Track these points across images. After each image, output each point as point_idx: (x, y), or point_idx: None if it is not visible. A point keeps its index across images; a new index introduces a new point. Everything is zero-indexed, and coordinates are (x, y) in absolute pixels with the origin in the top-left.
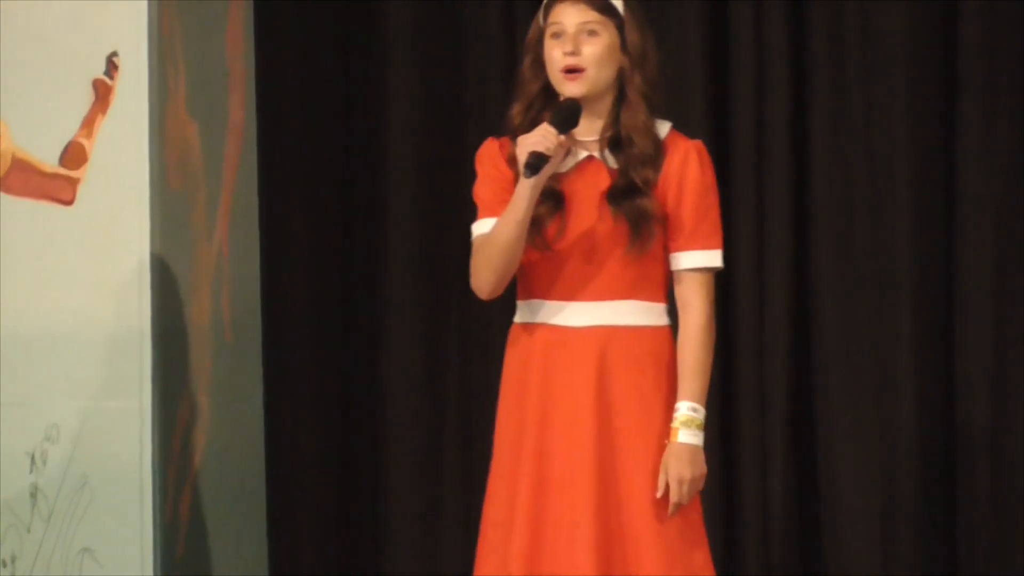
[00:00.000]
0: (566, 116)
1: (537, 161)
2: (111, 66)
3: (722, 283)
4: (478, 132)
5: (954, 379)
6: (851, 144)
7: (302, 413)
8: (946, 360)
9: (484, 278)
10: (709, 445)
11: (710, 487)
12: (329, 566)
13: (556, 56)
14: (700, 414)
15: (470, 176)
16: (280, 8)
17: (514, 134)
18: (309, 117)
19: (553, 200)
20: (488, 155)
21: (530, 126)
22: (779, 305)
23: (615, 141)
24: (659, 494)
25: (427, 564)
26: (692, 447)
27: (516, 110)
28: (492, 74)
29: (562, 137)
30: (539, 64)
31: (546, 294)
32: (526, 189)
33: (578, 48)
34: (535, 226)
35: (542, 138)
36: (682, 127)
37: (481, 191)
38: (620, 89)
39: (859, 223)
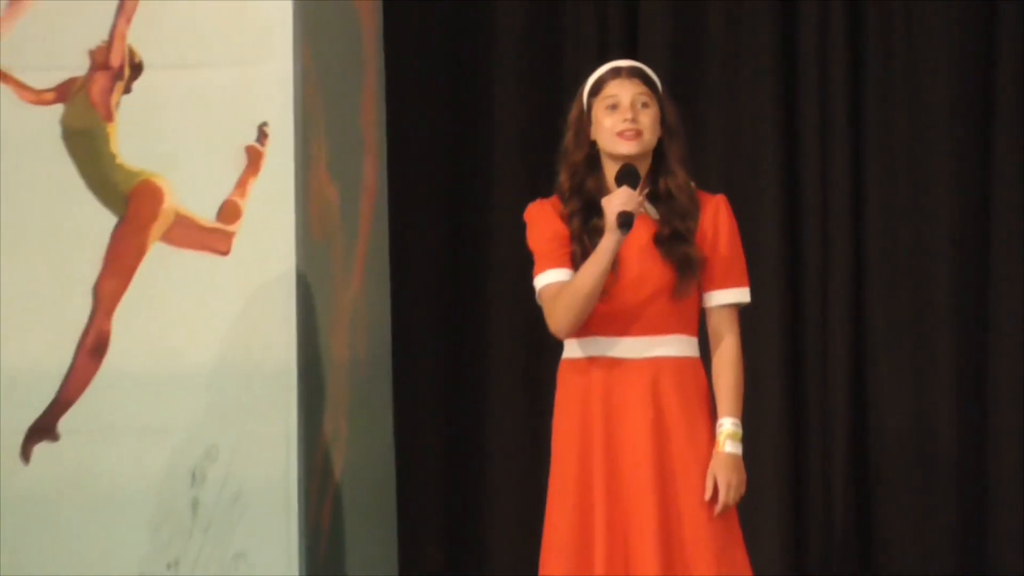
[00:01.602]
0: (634, 179)
1: (628, 219)
2: (262, 134)
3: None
4: None
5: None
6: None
7: (426, 435)
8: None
9: (569, 320)
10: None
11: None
12: (453, 568)
13: (612, 123)
14: (740, 429)
15: None
16: (408, 81)
17: (563, 196)
18: (431, 178)
19: None
20: (543, 214)
21: (577, 190)
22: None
23: (654, 196)
24: (707, 497)
25: (529, 568)
26: (736, 456)
27: (564, 177)
28: None
29: (640, 197)
30: (583, 137)
31: (603, 331)
32: (614, 243)
33: (637, 116)
34: None
35: (628, 199)
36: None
37: (541, 246)
38: (654, 153)
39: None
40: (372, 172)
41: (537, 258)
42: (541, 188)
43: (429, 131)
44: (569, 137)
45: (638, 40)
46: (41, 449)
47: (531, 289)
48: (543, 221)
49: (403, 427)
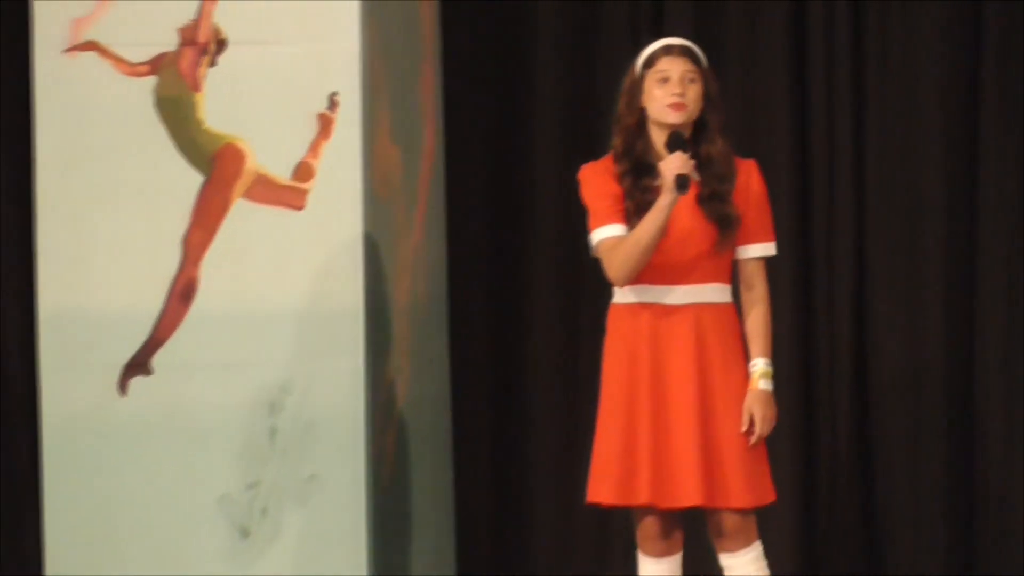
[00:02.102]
0: (684, 144)
1: (684, 181)
2: (332, 103)
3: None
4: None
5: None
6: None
7: (478, 371)
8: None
9: (628, 270)
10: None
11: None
12: (501, 491)
13: (662, 94)
14: (771, 367)
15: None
16: (462, 58)
17: (617, 156)
18: (483, 143)
19: None
20: (597, 174)
21: (629, 153)
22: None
23: (696, 160)
24: (744, 429)
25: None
26: (769, 393)
27: (617, 140)
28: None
29: (692, 161)
30: (634, 104)
31: (652, 280)
32: (670, 202)
33: (685, 90)
34: None
35: (684, 163)
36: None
37: (597, 204)
38: (698, 123)
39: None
40: (431, 137)
41: (593, 214)
42: (577, 149)
43: (480, 102)
44: (622, 104)
45: (663, 26)
46: (136, 383)
47: (569, 239)
48: (597, 181)
49: (457, 364)
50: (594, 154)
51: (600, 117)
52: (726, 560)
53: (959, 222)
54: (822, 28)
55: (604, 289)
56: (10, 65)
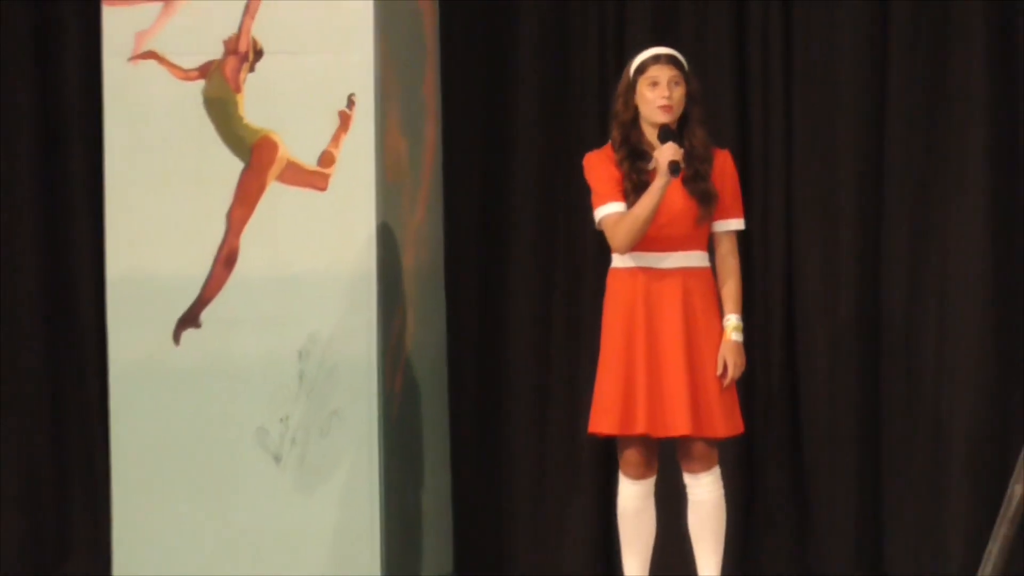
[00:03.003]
0: (675, 136)
1: (676, 167)
2: (350, 102)
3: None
4: (588, 130)
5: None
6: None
7: (469, 325)
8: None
9: (629, 241)
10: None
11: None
12: (487, 419)
13: (653, 97)
14: (742, 322)
15: (580, 156)
16: (457, 62)
17: (615, 146)
18: (476, 136)
19: None
20: (599, 161)
21: (625, 143)
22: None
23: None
24: (719, 373)
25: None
26: (740, 343)
27: (615, 133)
28: (592, 85)
29: (683, 150)
30: (629, 103)
31: (646, 247)
32: (664, 183)
33: (671, 93)
34: None
35: (676, 151)
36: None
37: (600, 185)
38: (682, 117)
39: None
40: (432, 130)
41: (597, 194)
42: (553, 139)
43: (473, 100)
44: (619, 103)
45: (624, 33)
46: (187, 335)
47: (547, 217)
48: (600, 166)
49: (451, 319)
50: (569, 142)
51: (573, 111)
52: (690, 480)
53: (868, 195)
54: (760, 31)
55: (576, 258)
56: (85, 71)
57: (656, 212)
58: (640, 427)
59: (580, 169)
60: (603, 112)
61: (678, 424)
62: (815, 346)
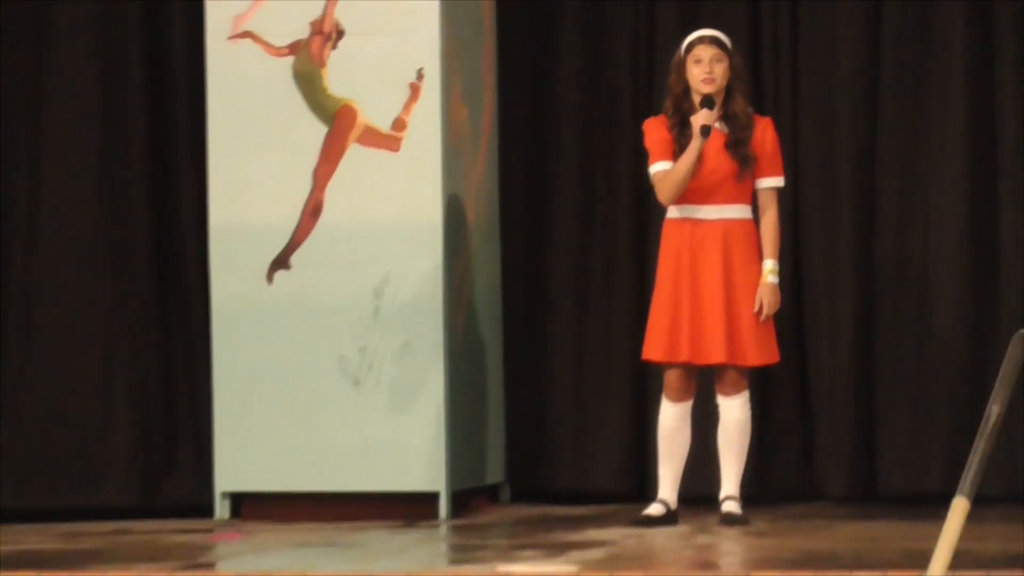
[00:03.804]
0: (711, 104)
1: (707, 130)
2: (419, 75)
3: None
4: (622, 104)
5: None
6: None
7: (519, 267)
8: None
9: (673, 194)
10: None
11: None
12: (536, 348)
13: (698, 72)
14: (778, 266)
15: (615, 124)
16: (512, 40)
17: (668, 114)
18: (529, 104)
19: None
20: (654, 127)
21: (677, 111)
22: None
23: (726, 117)
24: (756, 310)
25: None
26: (775, 285)
27: (669, 102)
28: (624, 69)
29: (715, 115)
30: (680, 77)
31: (692, 201)
32: (698, 145)
33: (713, 68)
34: None
35: (707, 117)
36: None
37: (654, 146)
38: (726, 89)
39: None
40: (490, 99)
41: (652, 154)
42: (594, 113)
43: (524, 76)
44: (672, 77)
45: (655, 20)
46: (279, 275)
47: (588, 177)
48: (655, 130)
49: (508, 262)
50: (604, 114)
51: (609, 88)
52: (722, 401)
53: (864, 172)
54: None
55: (612, 211)
56: (189, 50)
57: (693, 169)
58: (683, 355)
59: (614, 138)
60: (635, 89)
61: (715, 353)
62: (820, 290)
